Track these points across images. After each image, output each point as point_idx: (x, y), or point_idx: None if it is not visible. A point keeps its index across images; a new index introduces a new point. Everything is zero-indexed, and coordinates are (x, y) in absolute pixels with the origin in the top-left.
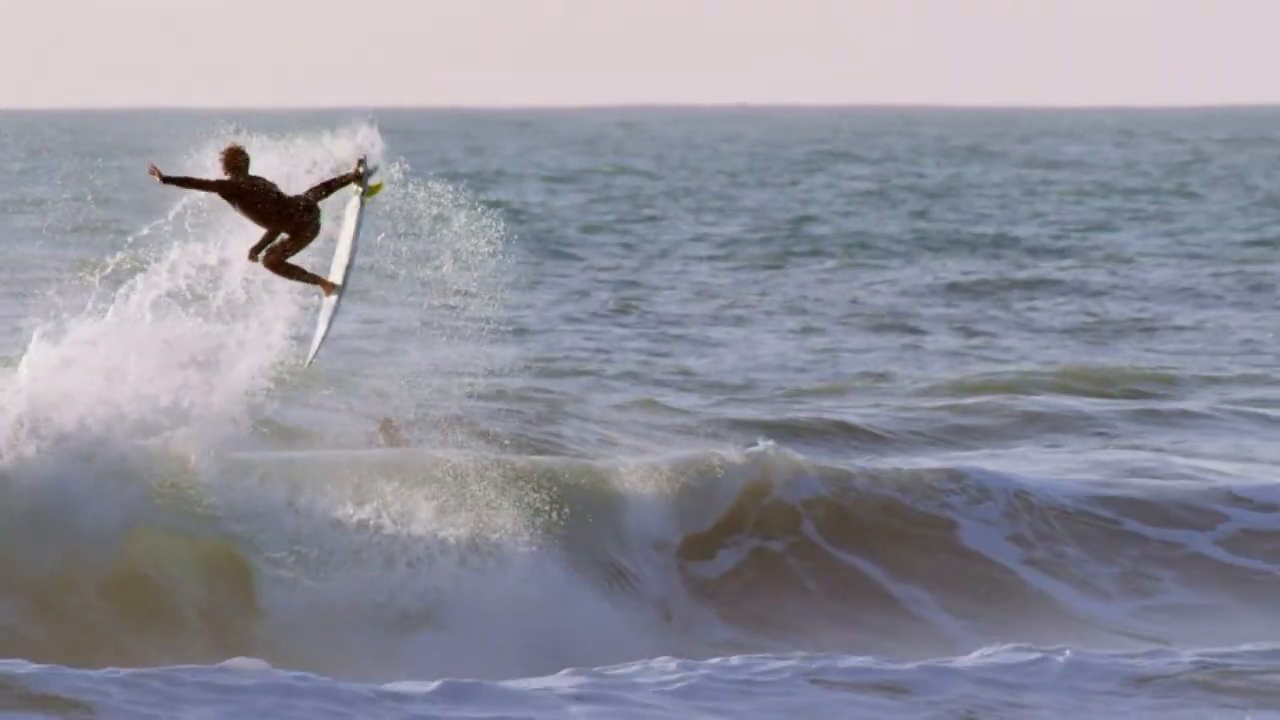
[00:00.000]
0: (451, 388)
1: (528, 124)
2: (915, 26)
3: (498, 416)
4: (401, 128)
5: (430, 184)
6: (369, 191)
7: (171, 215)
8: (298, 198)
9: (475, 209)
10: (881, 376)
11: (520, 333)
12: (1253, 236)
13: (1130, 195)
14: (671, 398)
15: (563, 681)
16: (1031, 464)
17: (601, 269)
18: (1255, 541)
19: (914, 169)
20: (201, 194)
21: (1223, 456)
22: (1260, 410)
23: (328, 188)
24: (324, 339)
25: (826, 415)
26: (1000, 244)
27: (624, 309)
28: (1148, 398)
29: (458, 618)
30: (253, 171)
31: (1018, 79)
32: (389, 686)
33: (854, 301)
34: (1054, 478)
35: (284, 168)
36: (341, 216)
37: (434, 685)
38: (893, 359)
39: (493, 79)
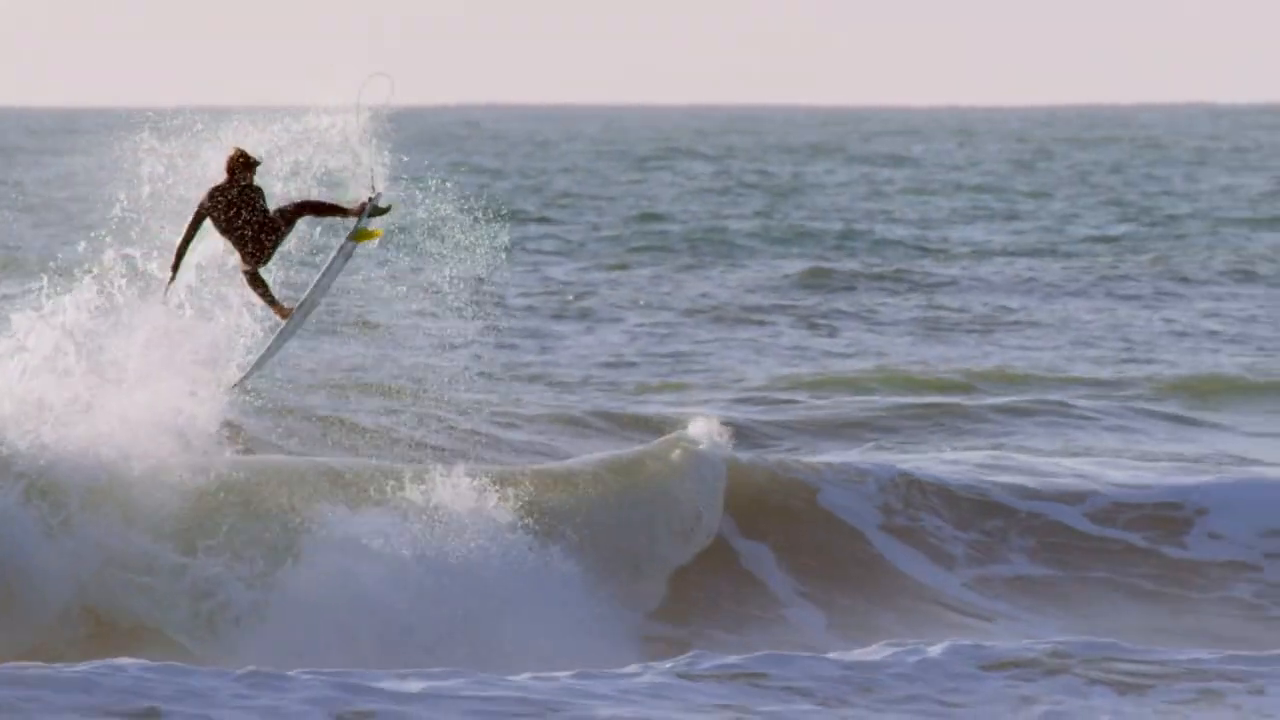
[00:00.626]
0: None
1: None
2: (752, 26)
3: (348, 411)
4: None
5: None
6: (363, 235)
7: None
8: (280, 213)
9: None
10: (725, 371)
11: (371, 329)
12: (1097, 233)
13: (976, 192)
14: (521, 394)
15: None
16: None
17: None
18: (1120, 513)
19: (757, 166)
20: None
21: (1062, 453)
22: (1098, 405)
23: (319, 210)
24: (260, 363)
25: (669, 410)
26: (847, 240)
27: (476, 306)
28: (988, 394)
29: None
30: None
31: (855, 79)
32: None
33: (703, 295)
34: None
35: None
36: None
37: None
38: (739, 354)
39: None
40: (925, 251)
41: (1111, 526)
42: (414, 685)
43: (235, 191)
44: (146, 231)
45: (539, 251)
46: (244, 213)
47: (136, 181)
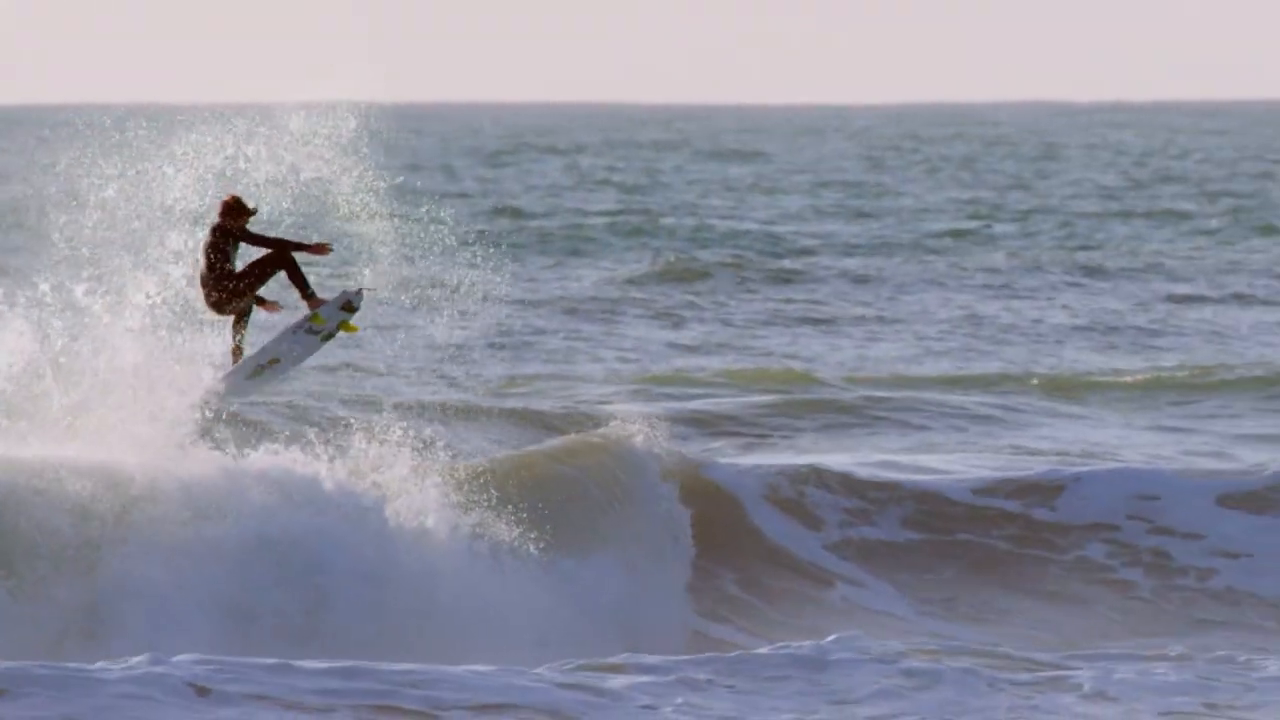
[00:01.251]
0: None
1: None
2: (605, 25)
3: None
4: None
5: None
6: (344, 327)
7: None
8: (238, 275)
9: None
10: (576, 365)
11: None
12: (947, 227)
13: (827, 188)
14: (367, 385)
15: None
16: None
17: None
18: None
19: (606, 162)
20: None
21: (912, 450)
22: (955, 399)
23: (291, 273)
24: (214, 397)
25: (507, 404)
26: (701, 234)
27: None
28: (846, 389)
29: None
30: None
31: (702, 76)
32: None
33: (561, 292)
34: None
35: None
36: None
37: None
38: (590, 348)
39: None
40: (777, 246)
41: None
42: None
43: (221, 235)
44: (92, 262)
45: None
46: (219, 258)
47: (82, 205)
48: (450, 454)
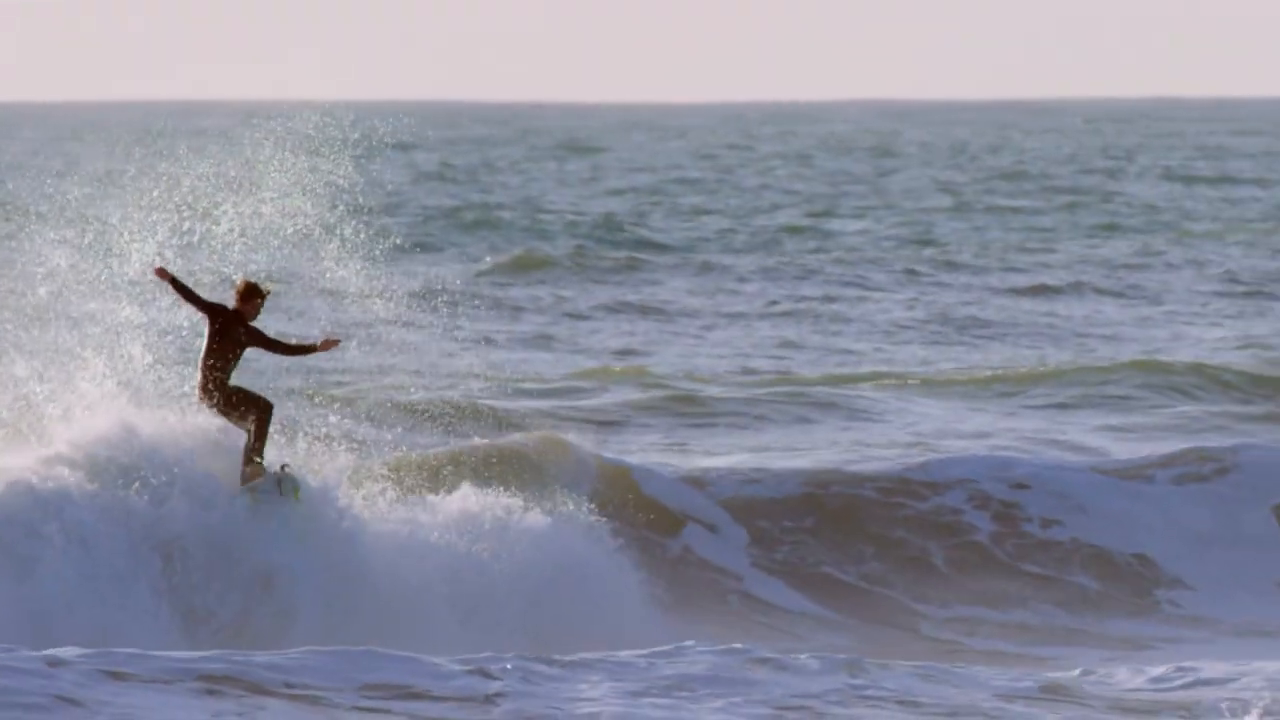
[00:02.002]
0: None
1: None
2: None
3: None
4: None
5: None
6: (288, 488)
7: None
8: (229, 390)
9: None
10: (426, 361)
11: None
12: (787, 223)
13: (668, 183)
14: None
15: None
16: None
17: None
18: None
19: (440, 157)
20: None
21: (759, 448)
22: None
23: (258, 428)
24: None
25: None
26: (542, 228)
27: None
28: (703, 386)
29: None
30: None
31: (533, 73)
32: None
33: (409, 286)
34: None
35: None
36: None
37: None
38: (434, 344)
39: None
40: (619, 240)
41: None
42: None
43: (237, 322)
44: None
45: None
46: (236, 341)
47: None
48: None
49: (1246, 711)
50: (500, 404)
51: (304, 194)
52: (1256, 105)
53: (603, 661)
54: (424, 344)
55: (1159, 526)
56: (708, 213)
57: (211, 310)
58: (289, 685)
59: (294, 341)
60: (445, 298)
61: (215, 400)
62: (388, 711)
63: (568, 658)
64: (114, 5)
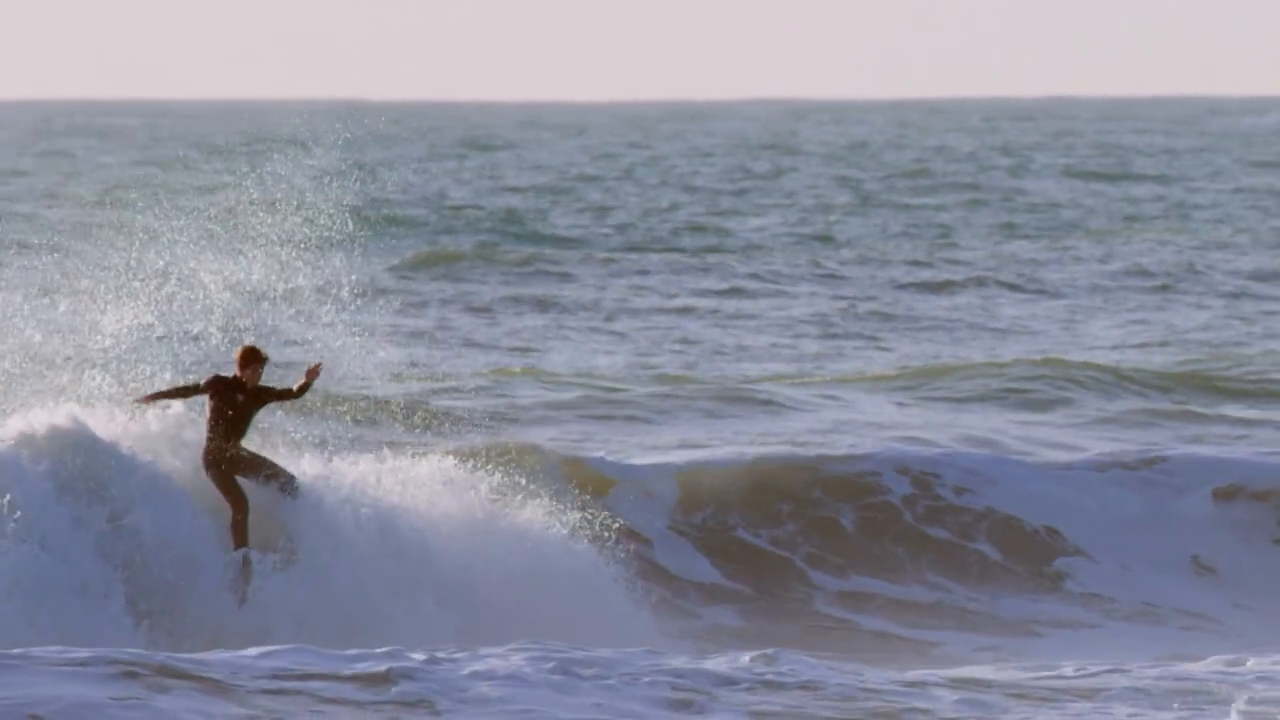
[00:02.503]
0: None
1: None
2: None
3: None
4: None
5: None
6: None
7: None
8: (232, 458)
9: None
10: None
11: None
12: (687, 220)
13: (572, 180)
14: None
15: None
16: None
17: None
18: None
19: (345, 155)
20: None
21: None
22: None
23: (236, 525)
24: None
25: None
26: (445, 225)
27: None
28: (584, 383)
29: None
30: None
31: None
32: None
33: (320, 282)
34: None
35: None
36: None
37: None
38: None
39: None
40: (524, 236)
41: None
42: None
43: (235, 389)
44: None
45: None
46: (237, 407)
47: None
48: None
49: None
50: (429, 403)
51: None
52: (1154, 104)
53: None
54: (331, 342)
55: (1074, 502)
56: (609, 209)
57: (207, 388)
58: (199, 670)
59: (294, 385)
60: (350, 294)
61: (219, 469)
62: (290, 693)
63: (492, 649)
64: None
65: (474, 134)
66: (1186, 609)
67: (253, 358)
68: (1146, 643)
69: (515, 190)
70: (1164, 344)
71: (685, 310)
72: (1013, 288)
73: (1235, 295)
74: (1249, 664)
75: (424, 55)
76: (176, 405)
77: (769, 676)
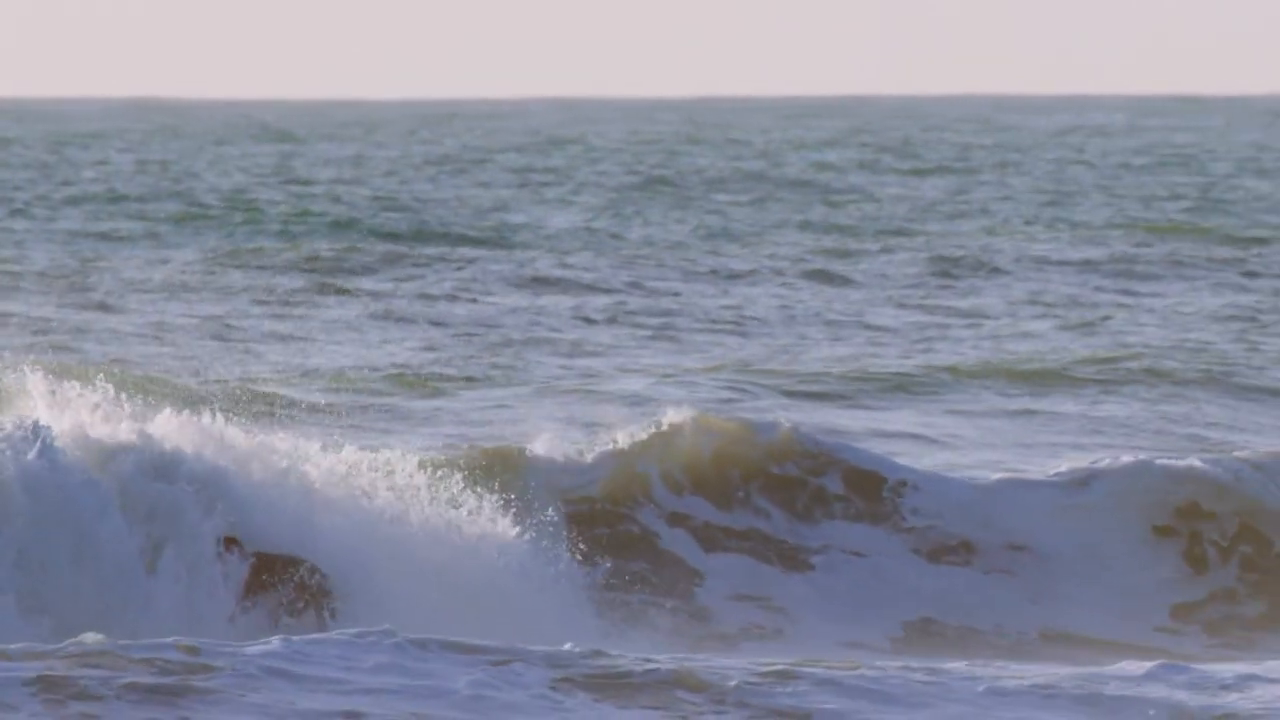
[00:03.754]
0: None
1: None
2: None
3: None
4: None
5: None
6: None
7: None
8: None
9: None
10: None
11: None
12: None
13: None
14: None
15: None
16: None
17: None
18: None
19: (135, 156)
20: None
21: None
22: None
23: None
24: None
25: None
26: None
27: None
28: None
29: None
30: None
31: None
32: None
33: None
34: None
35: None
36: None
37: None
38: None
39: None
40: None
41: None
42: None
43: None
44: None
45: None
46: None
47: None
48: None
49: None
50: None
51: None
52: (943, 103)
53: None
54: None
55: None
56: (399, 203)
57: None
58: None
59: None
60: (162, 288)
61: None
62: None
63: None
64: None
65: (266, 130)
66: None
67: None
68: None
69: (307, 182)
70: (998, 338)
71: (453, 300)
72: (814, 283)
73: (1033, 288)
74: None
75: (218, 52)
76: None
77: None
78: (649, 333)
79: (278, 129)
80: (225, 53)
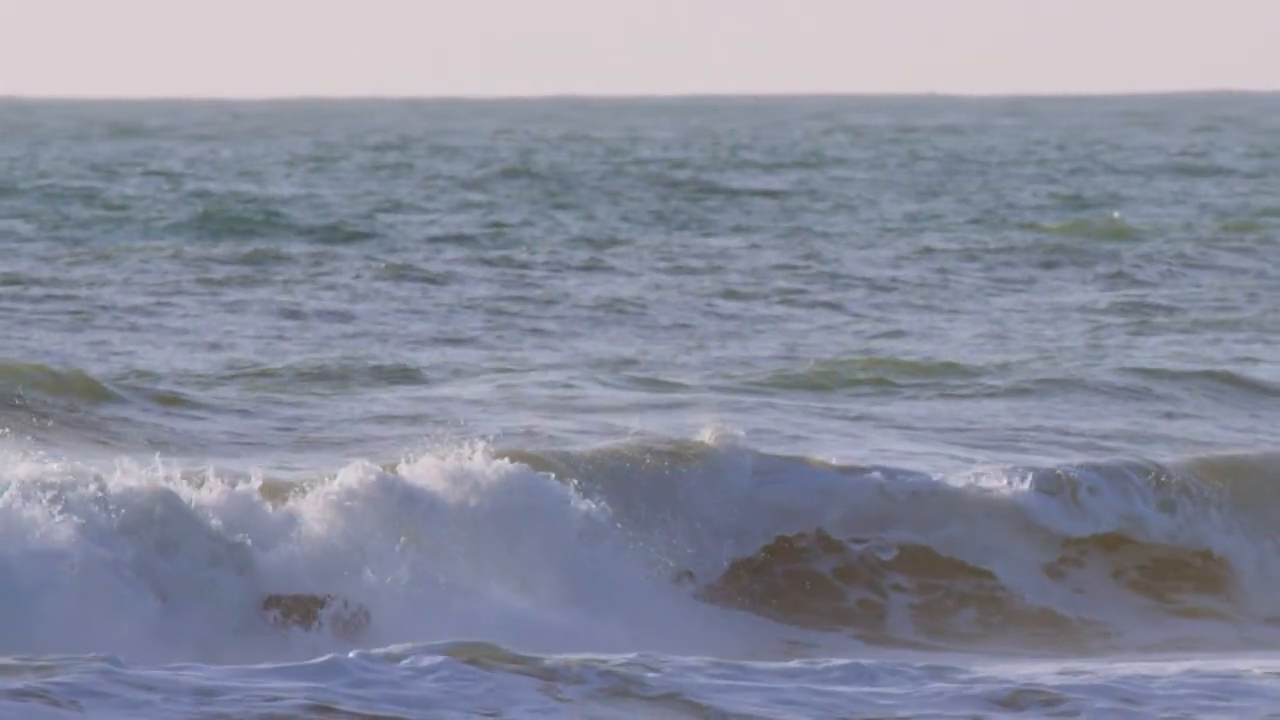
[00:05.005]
0: None
1: None
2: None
3: None
4: None
5: None
6: None
7: None
8: None
9: None
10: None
11: None
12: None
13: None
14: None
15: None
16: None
17: None
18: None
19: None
20: None
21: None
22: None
23: None
24: None
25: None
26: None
27: None
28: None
29: None
30: None
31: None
32: None
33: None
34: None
35: None
36: None
37: None
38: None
39: None
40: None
41: None
42: None
43: None
44: None
45: None
46: None
47: None
48: None
49: None
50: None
51: None
52: (794, 102)
53: None
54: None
55: None
56: (272, 202)
57: None
58: None
59: None
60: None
61: None
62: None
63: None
64: None
65: (117, 129)
66: None
67: None
68: None
69: (166, 174)
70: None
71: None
72: (671, 271)
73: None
74: None
75: (72, 52)
76: None
77: None
78: (520, 331)
79: (126, 125)
80: (85, 51)
